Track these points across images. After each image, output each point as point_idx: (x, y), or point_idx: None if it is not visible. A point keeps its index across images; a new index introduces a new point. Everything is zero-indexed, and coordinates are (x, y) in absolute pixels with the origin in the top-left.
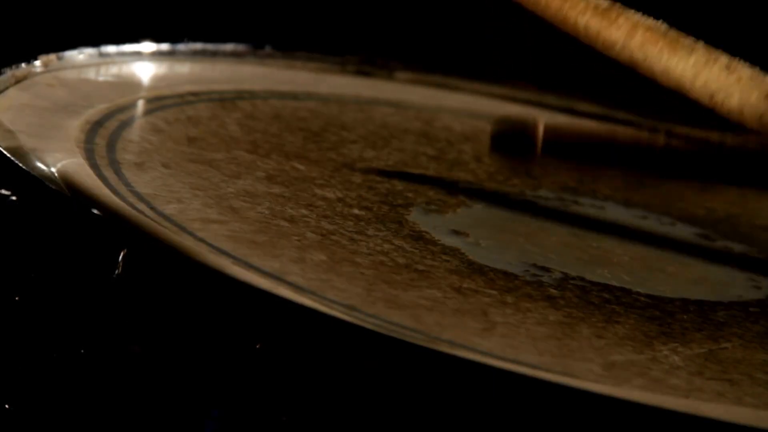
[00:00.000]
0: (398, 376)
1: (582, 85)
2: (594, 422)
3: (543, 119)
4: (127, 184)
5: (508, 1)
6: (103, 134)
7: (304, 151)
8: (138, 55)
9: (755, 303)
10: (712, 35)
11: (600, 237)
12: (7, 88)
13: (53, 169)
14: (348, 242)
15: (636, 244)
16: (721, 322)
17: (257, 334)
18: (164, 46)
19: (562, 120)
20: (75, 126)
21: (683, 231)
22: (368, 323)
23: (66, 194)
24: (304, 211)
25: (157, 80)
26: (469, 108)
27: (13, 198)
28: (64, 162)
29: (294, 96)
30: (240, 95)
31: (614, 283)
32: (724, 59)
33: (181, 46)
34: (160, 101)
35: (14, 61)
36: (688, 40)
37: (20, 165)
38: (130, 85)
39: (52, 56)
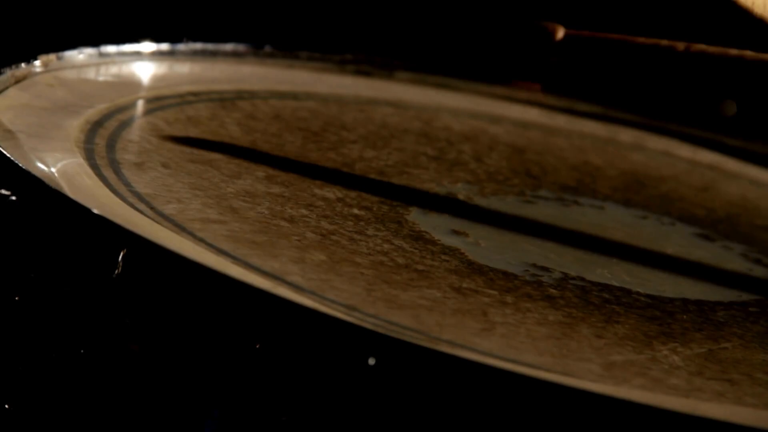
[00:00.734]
0: (398, 376)
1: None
2: (594, 422)
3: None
4: (127, 184)
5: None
6: (103, 134)
7: (304, 151)
8: (138, 55)
9: (755, 303)
10: None
11: (600, 237)
12: (7, 88)
13: (53, 169)
14: (348, 242)
15: (636, 244)
16: (721, 322)
17: (257, 334)
18: (164, 46)
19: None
20: (75, 126)
21: (683, 231)
22: (368, 323)
23: (66, 194)
24: (304, 211)
25: (157, 80)
26: (469, 108)
27: (13, 198)
28: (64, 162)
29: (294, 96)
30: (240, 95)
31: (614, 283)
32: None
33: (181, 46)
34: (160, 101)
35: (14, 61)
36: None
37: (20, 165)
38: (130, 85)
39: (52, 56)
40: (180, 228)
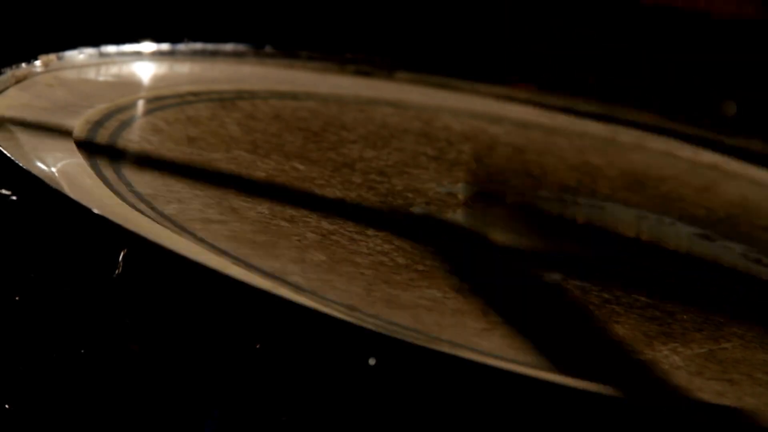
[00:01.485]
0: (398, 376)
1: (582, 85)
2: (594, 422)
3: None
4: (127, 184)
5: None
6: (103, 134)
7: (304, 151)
8: (138, 55)
9: (755, 303)
10: None
11: (600, 237)
12: (7, 88)
13: (53, 169)
14: (348, 242)
15: (636, 244)
16: (721, 322)
17: (257, 334)
18: (164, 46)
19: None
20: (75, 126)
21: (683, 231)
22: (368, 323)
23: (66, 194)
24: (304, 211)
25: (157, 80)
26: (469, 108)
27: (13, 198)
28: (64, 162)
29: (294, 96)
30: (240, 95)
31: (614, 282)
32: None
33: (181, 46)
34: (160, 101)
35: (14, 61)
36: None
37: (20, 165)
38: (130, 85)
39: (52, 56)
40: (180, 228)
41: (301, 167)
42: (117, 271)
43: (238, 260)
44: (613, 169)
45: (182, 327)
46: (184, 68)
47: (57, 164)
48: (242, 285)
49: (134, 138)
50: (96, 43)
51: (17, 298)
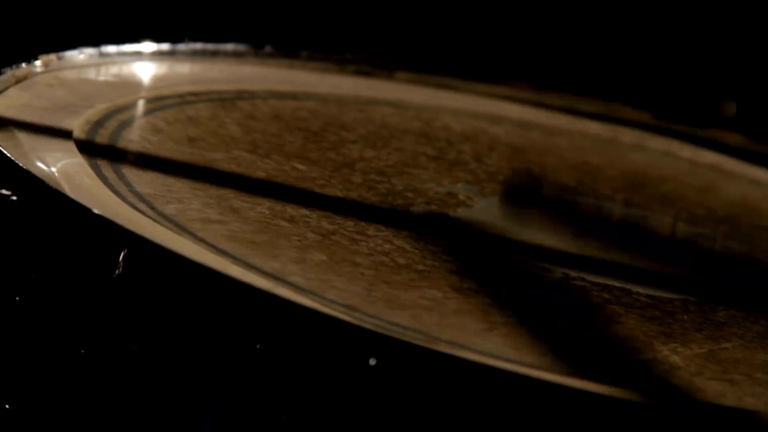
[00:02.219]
0: (398, 376)
1: (582, 85)
2: (594, 422)
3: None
4: (127, 184)
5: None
6: (103, 134)
7: (304, 151)
8: (138, 55)
9: (755, 303)
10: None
11: (600, 237)
12: (7, 88)
13: (53, 169)
14: (348, 242)
15: (636, 244)
16: (721, 322)
17: (257, 334)
18: (164, 46)
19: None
20: (75, 126)
21: (683, 231)
22: (368, 323)
23: (66, 194)
24: (305, 211)
25: (157, 80)
26: (469, 108)
27: (13, 198)
28: (64, 162)
29: (294, 96)
30: (240, 95)
31: (614, 283)
32: None
33: (181, 46)
34: (160, 101)
35: (14, 61)
36: None
37: (20, 165)
38: (130, 85)
39: (52, 56)
40: (180, 228)
41: (301, 167)
42: (117, 271)
43: (238, 260)
44: (613, 169)
45: (182, 327)
46: (184, 68)
47: (57, 164)
48: (242, 285)
49: (134, 138)
50: (96, 43)
51: (17, 298)
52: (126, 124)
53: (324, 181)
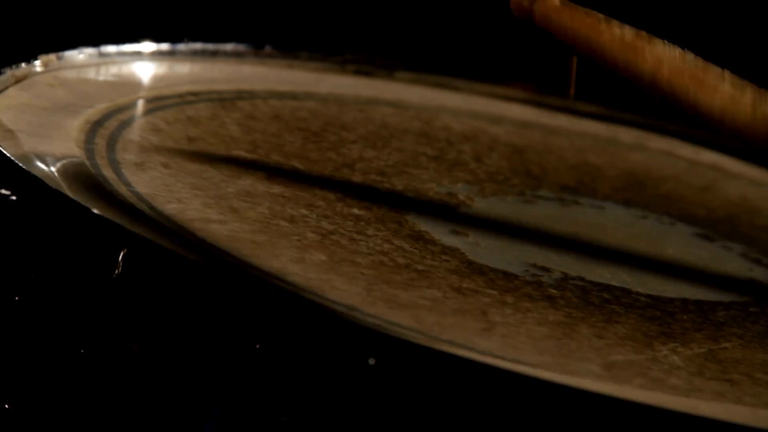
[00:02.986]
0: (398, 376)
1: (582, 85)
2: (594, 422)
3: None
4: (127, 184)
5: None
6: (103, 134)
7: (304, 151)
8: (138, 55)
9: (755, 303)
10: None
11: (600, 237)
12: (7, 88)
13: (53, 169)
14: (348, 242)
15: (636, 244)
16: (721, 322)
17: (257, 334)
18: (164, 46)
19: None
20: (75, 126)
21: (683, 231)
22: (368, 323)
23: (66, 194)
24: (304, 211)
25: (157, 80)
26: (469, 108)
27: (13, 198)
28: (64, 162)
29: (294, 96)
30: (240, 95)
31: (614, 283)
32: (750, 93)
33: (181, 46)
34: (160, 101)
35: (14, 61)
36: (715, 72)
37: (20, 165)
38: (130, 85)
39: (52, 56)
40: (180, 228)
41: (301, 167)
42: (117, 271)
43: (238, 260)
44: (613, 169)
45: (182, 327)
46: (184, 68)
47: (57, 164)
48: (242, 285)
49: (134, 138)
50: (96, 43)
51: (17, 298)
52: (126, 124)
53: (324, 181)
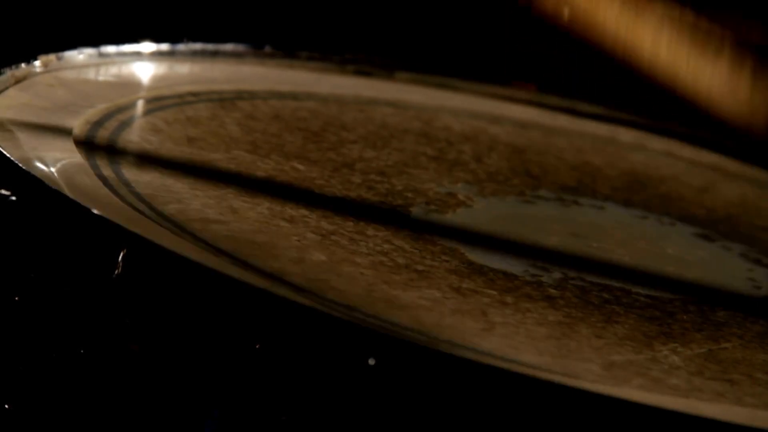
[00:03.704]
0: (398, 376)
1: (582, 85)
2: (594, 422)
3: None
4: (127, 184)
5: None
6: (103, 134)
7: (304, 151)
8: (138, 55)
9: (755, 303)
10: None
11: (600, 237)
12: (7, 88)
13: (53, 169)
14: (348, 242)
15: (636, 244)
16: (721, 322)
17: (257, 334)
18: (164, 46)
19: None
20: (75, 126)
21: (683, 231)
22: (368, 323)
23: (66, 194)
24: (304, 212)
25: (157, 80)
26: (469, 108)
27: (13, 198)
28: (64, 162)
29: (294, 96)
30: (240, 95)
31: (614, 283)
32: (750, 61)
33: (181, 46)
34: (160, 101)
35: (14, 61)
36: (715, 42)
37: (20, 165)
38: (130, 85)
39: (52, 56)
40: (180, 228)
41: (301, 167)
42: (117, 271)
43: (238, 260)
44: (612, 169)
45: (182, 327)
46: (184, 68)
47: (57, 164)
48: (242, 285)
49: (134, 138)
50: (96, 43)
51: (17, 298)
52: (126, 124)
53: (324, 181)
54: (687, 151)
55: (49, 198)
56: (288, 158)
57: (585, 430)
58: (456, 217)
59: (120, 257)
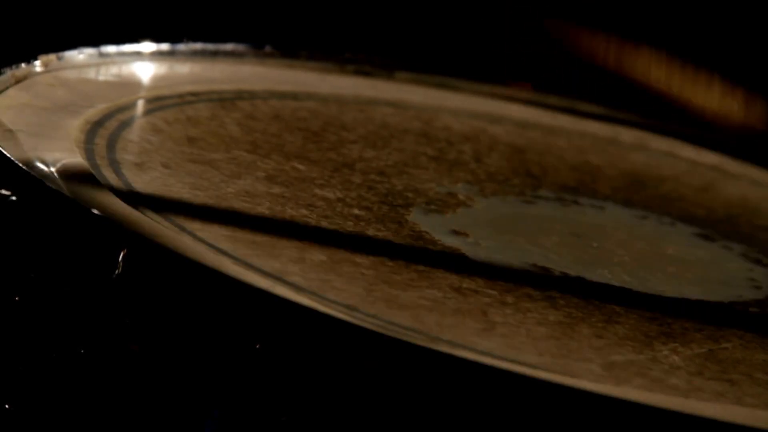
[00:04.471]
0: (398, 376)
1: (582, 86)
2: (594, 422)
3: None
4: (127, 184)
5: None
6: (103, 134)
7: (304, 151)
8: (138, 55)
9: (755, 303)
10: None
11: (600, 237)
12: (7, 88)
13: (53, 169)
14: (348, 242)
15: (636, 244)
16: (721, 322)
17: (257, 334)
18: (164, 46)
19: None
20: (75, 126)
21: (683, 231)
22: (368, 323)
23: (66, 194)
24: (304, 211)
25: (157, 80)
26: (469, 108)
27: (13, 198)
28: (64, 162)
29: (294, 96)
30: (240, 95)
31: (614, 283)
32: (740, 94)
33: (181, 46)
34: (160, 101)
35: (14, 61)
36: (705, 76)
37: (20, 165)
38: (130, 85)
39: (52, 56)
40: (180, 228)
41: (301, 167)
42: (117, 271)
43: (237, 260)
44: (613, 169)
45: (182, 327)
46: (184, 68)
47: (57, 164)
48: (242, 285)
49: (134, 138)
50: (96, 43)
51: (17, 298)
52: (126, 124)
53: (324, 181)
54: (688, 151)
55: (49, 198)
56: (288, 158)
57: (585, 430)
58: (456, 217)
59: (120, 257)
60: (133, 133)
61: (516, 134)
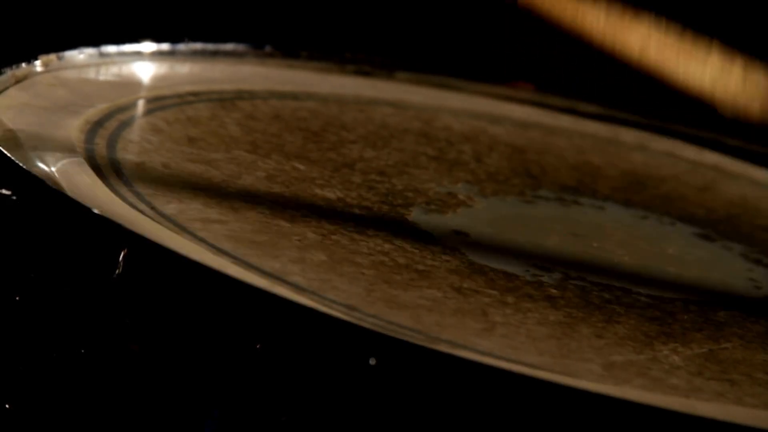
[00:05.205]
0: (398, 376)
1: (583, 86)
2: (594, 422)
3: None
4: (127, 184)
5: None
6: (103, 134)
7: (304, 151)
8: (138, 55)
9: (755, 303)
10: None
11: (600, 237)
12: (7, 88)
13: (53, 169)
14: (348, 242)
15: (636, 244)
16: (721, 322)
17: (257, 334)
18: (164, 46)
19: None
20: (75, 126)
21: (683, 231)
22: (368, 323)
23: (66, 194)
24: (305, 211)
25: (157, 80)
26: (469, 108)
27: (13, 198)
28: (64, 162)
29: (294, 96)
30: (240, 95)
31: (614, 283)
32: (740, 63)
33: (181, 46)
34: (160, 101)
35: (14, 61)
36: (703, 44)
37: (20, 165)
38: (130, 85)
39: (52, 56)
40: (180, 228)
41: (301, 167)
42: (117, 271)
43: (238, 260)
44: (613, 169)
45: (182, 327)
46: (184, 68)
47: (57, 164)
48: (242, 285)
49: (134, 138)
50: (96, 43)
51: (17, 298)
52: (126, 124)
53: (324, 181)
54: (689, 151)
55: (50, 198)
56: (288, 158)
57: (585, 430)
58: (456, 217)
59: (120, 257)
60: (133, 133)
61: (516, 134)
